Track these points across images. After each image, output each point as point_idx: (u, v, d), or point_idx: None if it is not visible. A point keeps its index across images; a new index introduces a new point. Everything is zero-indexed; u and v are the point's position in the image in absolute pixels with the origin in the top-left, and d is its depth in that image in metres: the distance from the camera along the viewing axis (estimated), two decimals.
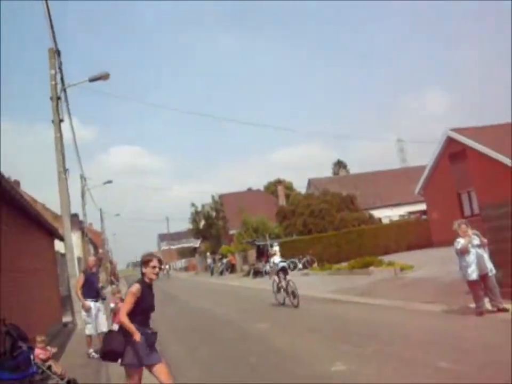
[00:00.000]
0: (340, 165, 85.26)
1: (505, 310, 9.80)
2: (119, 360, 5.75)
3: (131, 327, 5.52)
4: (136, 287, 5.75)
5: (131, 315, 5.62)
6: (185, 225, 72.64)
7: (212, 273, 47.87)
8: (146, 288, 5.84)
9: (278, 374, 7.62)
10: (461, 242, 10.15)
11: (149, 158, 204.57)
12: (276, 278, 16.36)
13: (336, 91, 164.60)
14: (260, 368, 8.21)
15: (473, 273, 9.98)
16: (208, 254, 56.94)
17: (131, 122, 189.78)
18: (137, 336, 5.48)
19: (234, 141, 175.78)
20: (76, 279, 18.00)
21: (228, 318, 15.18)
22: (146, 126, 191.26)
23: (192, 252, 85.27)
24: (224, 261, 46.82)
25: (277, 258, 17.26)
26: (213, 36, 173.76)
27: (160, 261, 5.96)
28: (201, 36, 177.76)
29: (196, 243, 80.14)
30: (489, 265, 10.09)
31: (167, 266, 74.74)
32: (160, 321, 14.17)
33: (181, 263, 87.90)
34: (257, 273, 34.41)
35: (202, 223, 63.31)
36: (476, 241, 10.14)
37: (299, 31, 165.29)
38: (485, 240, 10.21)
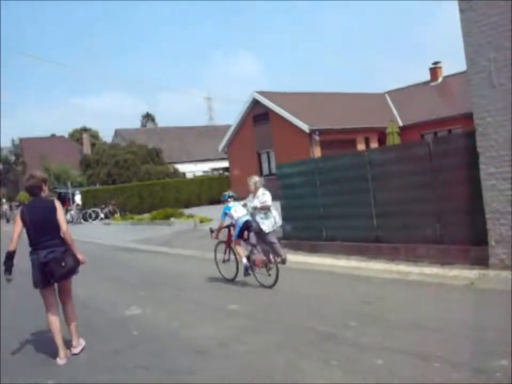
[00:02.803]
0: (148, 117, 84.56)
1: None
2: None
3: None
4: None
5: None
6: None
7: (8, 221, 45.06)
8: None
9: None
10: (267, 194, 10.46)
11: None
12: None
13: (153, 44, 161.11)
14: None
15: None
16: (4, 200, 53.32)
17: None
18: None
19: (36, 81, 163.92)
20: None
21: None
22: None
23: None
24: None
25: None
26: None
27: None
28: None
29: None
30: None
31: None
32: None
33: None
34: None
35: None
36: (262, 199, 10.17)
37: None
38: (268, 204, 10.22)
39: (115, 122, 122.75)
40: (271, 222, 10.07)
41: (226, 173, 39.93)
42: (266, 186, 10.99)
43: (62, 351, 5.79)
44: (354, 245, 10.59)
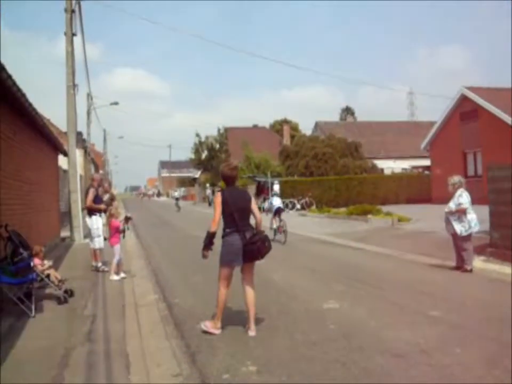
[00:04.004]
0: (348, 111, 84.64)
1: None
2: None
3: None
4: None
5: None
6: (187, 155, 72.56)
7: (210, 204, 48.21)
8: None
9: (274, 306, 7.78)
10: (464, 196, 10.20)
11: (155, 83, 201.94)
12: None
13: (353, 38, 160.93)
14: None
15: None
16: (207, 185, 57.12)
17: (139, 43, 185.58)
18: None
19: (244, 74, 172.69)
20: (77, 195, 18.31)
21: None
22: (154, 50, 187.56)
23: (192, 181, 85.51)
24: None
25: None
26: None
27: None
28: None
29: (196, 173, 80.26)
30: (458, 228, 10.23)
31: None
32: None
33: (180, 191, 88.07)
34: None
35: (204, 154, 63.16)
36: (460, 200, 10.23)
37: None
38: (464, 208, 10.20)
39: (314, 115, 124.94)
40: (464, 226, 10.15)
41: (426, 172, 38.49)
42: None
43: (219, 323, 6.48)
44: None
